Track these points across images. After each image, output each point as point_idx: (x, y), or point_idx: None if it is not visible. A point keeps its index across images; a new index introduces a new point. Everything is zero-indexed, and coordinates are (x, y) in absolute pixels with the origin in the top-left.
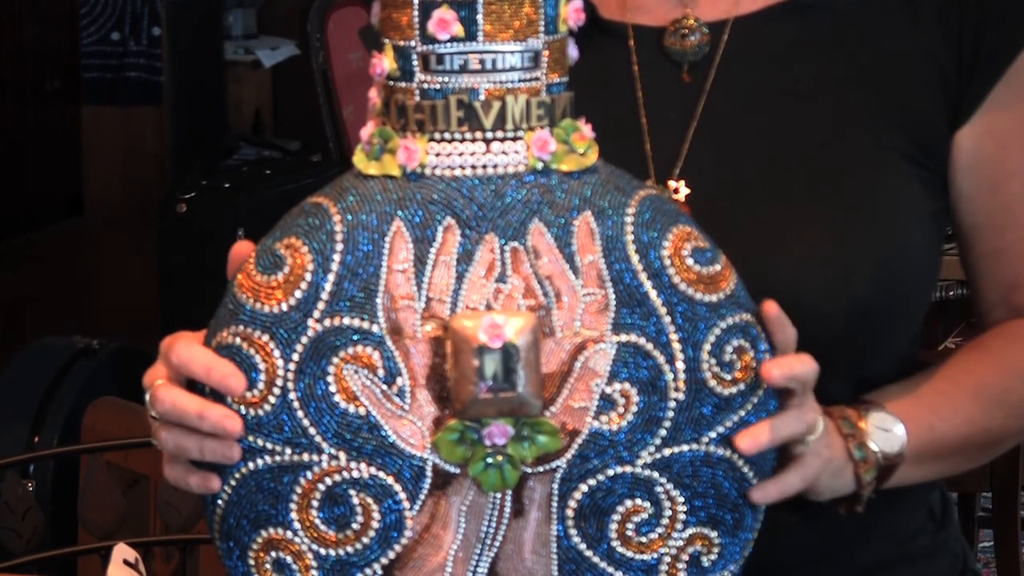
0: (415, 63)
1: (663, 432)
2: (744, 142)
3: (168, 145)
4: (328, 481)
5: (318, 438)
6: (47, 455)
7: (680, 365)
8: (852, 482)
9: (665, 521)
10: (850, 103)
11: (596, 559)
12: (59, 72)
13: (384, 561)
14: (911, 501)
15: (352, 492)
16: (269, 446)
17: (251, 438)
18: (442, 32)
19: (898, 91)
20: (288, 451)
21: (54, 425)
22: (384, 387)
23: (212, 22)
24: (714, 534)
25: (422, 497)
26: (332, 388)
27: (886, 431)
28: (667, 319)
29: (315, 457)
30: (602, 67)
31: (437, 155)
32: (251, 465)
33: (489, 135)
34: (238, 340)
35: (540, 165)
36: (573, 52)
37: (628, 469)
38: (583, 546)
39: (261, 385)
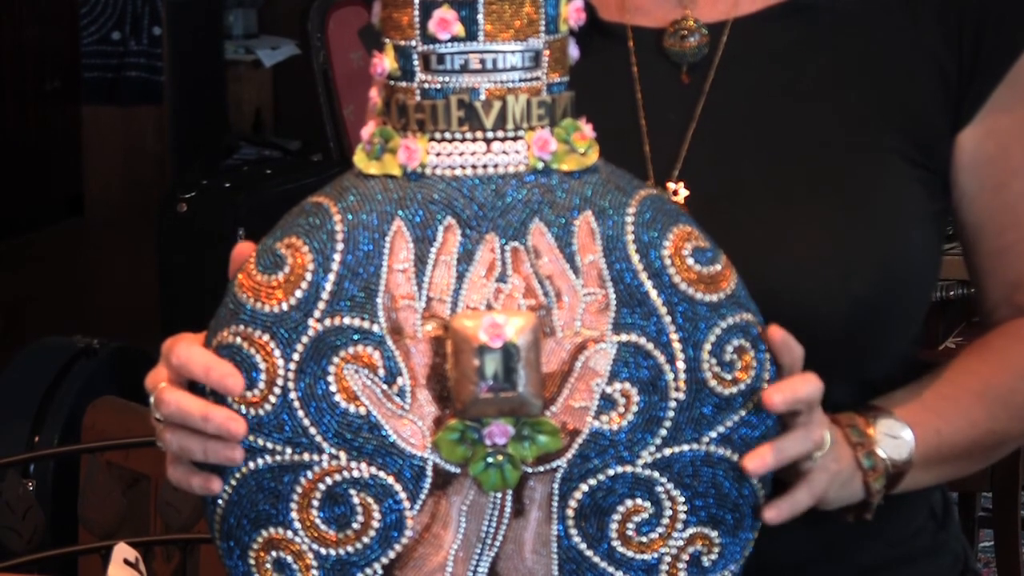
0: (416, 63)
1: (663, 432)
2: (743, 143)
3: (168, 145)
4: (328, 481)
5: (318, 438)
6: (47, 455)
7: (680, 365)
8: (861, 491)
9: (665, 521)
10: (850, 104)
11: (596, 559)
12: (59, 72)
13: (384, 561)
14: (912, 501)
15: (352, 492)
16: (270, 446)
17: (251, 438)
18: (443, 32)
19: (898, 92)
20: (288, 451)
21: (54, 425)
22: (384, 387)
23: (212, 22)
24: (714, 534)
25: (422, 497)
26: (333, 388)
27: (895, 438)
28: (667, 319)
29: (315, 457)
30: (601, 68)
31: (438, 155)
32: (252, 465)
33: (490, 135)
34: (238, 340)
35: (541, 165)
36: (574, 52)
37: (629, 469)
38: (583, 546)
39: (262, 385)
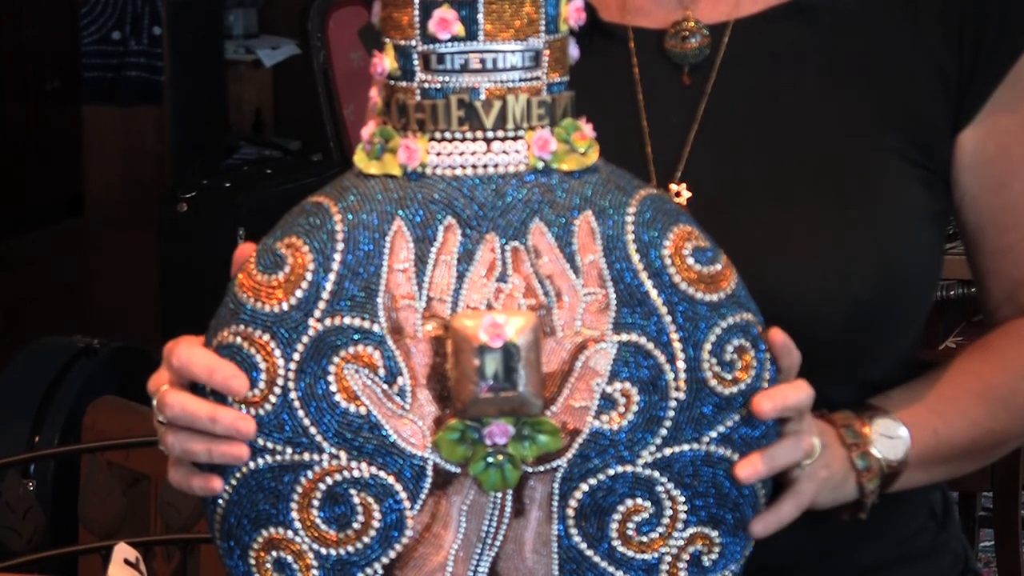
0: (416, 62)
1: (664, 431)
2: (745, 144)
3: (168, 145)
4: (329, 480)
5: (319, 437)
6: (48, 455)
7: (681, 364)
8: (855, 491)
9: (666, 520)
10: (851, 104)
11: (597, 559)
12: (59, 72)
13: (385, 560)
14: (912, 501)
15: (353, 491)
16: (270, 445)
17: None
18: (443, 31)
19: (899, 92)
20: (289, 450)
21: (54, 425)
22: (385, 386)
23: (213, 21)
24: (715, 533)
25: (423, 496)
26: (333, 387)
27: (890, 438)
28: (668, 318)
29: (316, 456)
30: (602, 70)
31: (438, 154)
32: (252, 464)
33: (490, 134)
34: (239, 339)
35: (541, 164)
36: (574, 51)
37: (629, 468)
38: (584, 545)
39: (262, 384)
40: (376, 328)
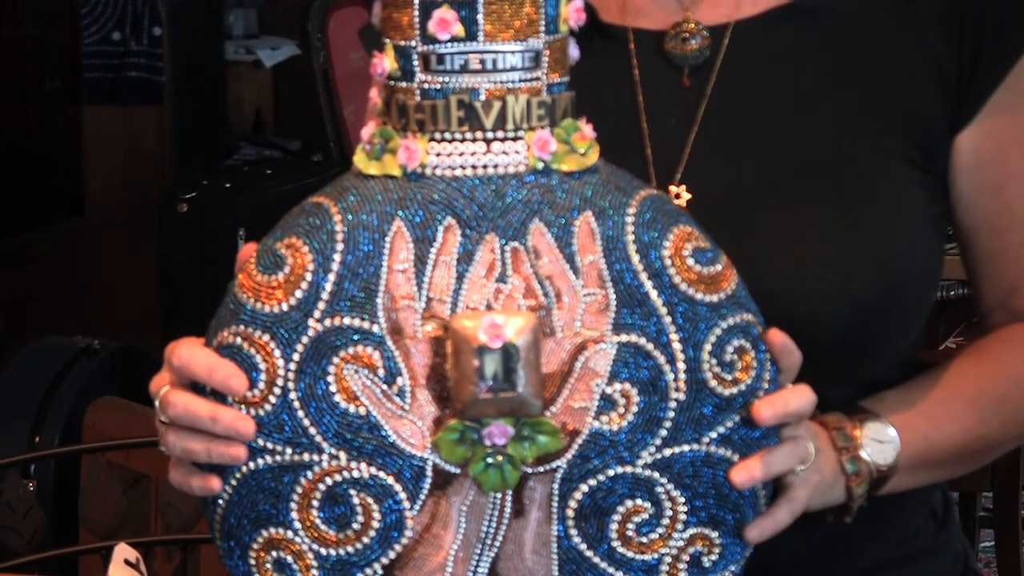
0: (416, 63)
1: (664, 432)
2: (745, 146)
3: (169, 145)
4: (328, 481)
5: (318, 438)
6: (48, 455)
7: (681, 365)
8: (843, 495)
9: (666, 521)
10: (851, 106)
11: (597, 559)
12: (60, 72)
13: (384, 561)
14: (913, 501)
15: (352, 492)
16: (270, 446)
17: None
18: (443, 32)
19: (899, 94)
20: (289, 451)
21: (55, 425)
22: (384, 387)
23: (213, 22)
24: (715, 534)
25: (422, 497)
26: (332, 388)
27: (881, 442)
28: (668, 319)
29: (315, 457)
30: (602, 71)
31: (438, 155)
32: (252, 465)
33: (490, 135)
34: (239, 340)
35: (541, 165)
36: (574, 52)
37: (629, 469)
38: (583, 546)
39: (262, 385)
40: (376, 328)
